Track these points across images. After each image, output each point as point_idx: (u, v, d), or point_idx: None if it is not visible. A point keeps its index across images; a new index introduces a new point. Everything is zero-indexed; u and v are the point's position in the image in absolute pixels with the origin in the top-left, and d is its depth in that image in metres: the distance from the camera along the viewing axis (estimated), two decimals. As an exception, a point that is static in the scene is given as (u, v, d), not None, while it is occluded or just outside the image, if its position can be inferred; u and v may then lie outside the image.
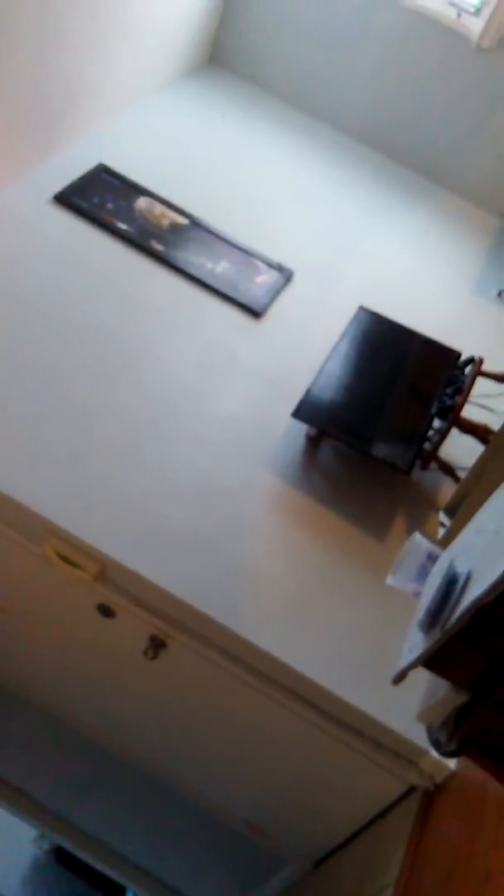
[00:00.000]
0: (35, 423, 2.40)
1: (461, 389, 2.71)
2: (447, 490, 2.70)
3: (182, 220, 3.26)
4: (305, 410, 2.61)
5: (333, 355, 2.81)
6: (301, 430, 2.69)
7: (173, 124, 3.75)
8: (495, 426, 2.63)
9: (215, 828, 3.05)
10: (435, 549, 1.76)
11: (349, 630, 2.30)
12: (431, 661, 1.45)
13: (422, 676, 1.60)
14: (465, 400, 2.64)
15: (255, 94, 4.14)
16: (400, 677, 1.54)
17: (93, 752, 3.08)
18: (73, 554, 2.24)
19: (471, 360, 2.86)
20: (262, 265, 3.23)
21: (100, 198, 3.16)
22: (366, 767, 2.27)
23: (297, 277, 3.26)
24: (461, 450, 2.72)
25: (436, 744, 1.64)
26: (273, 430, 2.68)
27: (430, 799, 2.21)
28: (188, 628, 2.26)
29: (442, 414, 2.70)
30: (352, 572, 2.43)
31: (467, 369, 2.86)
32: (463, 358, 2.92)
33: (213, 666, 2.30)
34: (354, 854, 2.52)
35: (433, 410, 2.70)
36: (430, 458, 2.61)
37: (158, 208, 3.26)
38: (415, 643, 1.52)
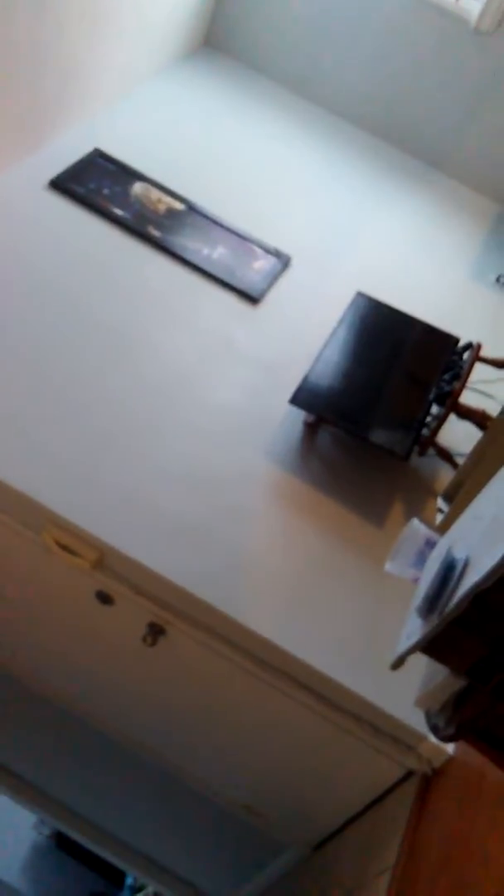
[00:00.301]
0: (32, 410, 2.40)
1: (459, 375, 2.70)
2: (445, 476, 2.70)
3: (179, 206, 3.24)
4: (303, 397, 2.60)
5: (331, 341, 2.80)
6: (299, 416, 2.68)
7: (169, 108, 3.72)
8: (493, 412, 2.63)
9: (215, 812, 3.06)
10: (433, 535, 1.76)
11: (347, 616, 2.31)
12: (429, 646, 1.46)
13: (420, 662, 1.61)
14: (463, 386, 2.63)
15: (251, 78, 4.11)
16: (398, 663, 1.55)
17: (92, 737, 3.09)
18: (71, 542, 2.24)
19: (469, 346, 2.85)
20: (259, 251, 3.21)
21: (96, 183, 3.14)
22: (364, 752, 2.28)
23: (294, 263, 3.24)
24: (459, 436, 2.72)
25: (434, 729, 1.65)
26: (271, 417, 2.68)
27: (428, 783, 2.22)
28: (187, 615, 2.27)
29: (440, 400, 2.70)
30: (350, 558, 2.43)
31: (465, 355, 2.86)
32: (461, 343, 2.91)
33: (212, 652, 2.30)
34: (353, 838, 2.53)
35: (431, 396, 2.69)
36: (428, 444, 2.61)
37: (155, 193, 3.24)
38: (413, 629, 1.52)
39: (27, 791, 3.61)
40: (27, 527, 2.31)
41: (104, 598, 2.38)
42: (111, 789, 3.53)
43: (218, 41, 4.16)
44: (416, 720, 2.11)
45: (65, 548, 2.25)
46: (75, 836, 3.83)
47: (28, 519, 2.28)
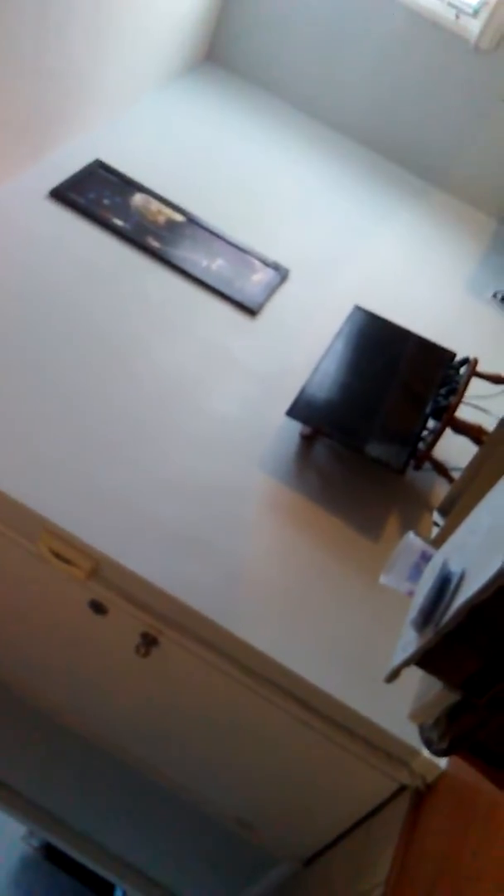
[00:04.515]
0: (30, 419, 2.40)
1: (455, 390, 2.71)
2: (441, 490, 2.70)
3: (178, 217, 3.25)
4: (300, 409, 2.61)
5: (328, 354, 2.81)
6: (295, 428, 2.69)
7: (170, 121, 3.74)
8: (489, 427, 2.63)
9: (206, 826, 3.04)
10: (428, 548, 1.76)
11: (342, 628, 2.30)
12: (424, 659, 1.45)
13: (415, 675, 1.61)
14: (459, 400, 2.64)
15: (252, 92, 4.14)
16: (393, 676, 1.54)
17: (83, 748, 3.07)
18: (66, 551, 2.24)
19: (465, 361, 2.86)
20: (258, 263, 3.23)
21: (96, 194, 3.15)
22: (357, 766, 2.28)
23: (292, 276, 3.25)
24: (455, 450, 2.73)
25: (427, 743, 1.64)
26: (267, 429, 2.68)
27: (421, 798, 2.21)
28: (180, 625, 2.26)
29: (436, 414, 2.70)
30: (345, 571, 2.43)
31: (462, 370, 2.87)
32: (457, 358, 2.92)
33: (205, 663, 2.30)
34: (345, 853, 2.52)
35: (427, 410, 2.70)
36: (423, 458, 2.61)
37: (155, 205, 3.25)
38: (408, 642, 1.52)
39: (16, 802, 3.58)
40: (22, 535, 2.30)
41: (98, 608, 2.37)
42: (101, 801, 3.50)
43: (220, 56, 4.19)
44: (410, 734, 2.10)
45: (59, 557, 2.25)
46: (65, 847, 3.80)
47: (23, 527, 2.28)
